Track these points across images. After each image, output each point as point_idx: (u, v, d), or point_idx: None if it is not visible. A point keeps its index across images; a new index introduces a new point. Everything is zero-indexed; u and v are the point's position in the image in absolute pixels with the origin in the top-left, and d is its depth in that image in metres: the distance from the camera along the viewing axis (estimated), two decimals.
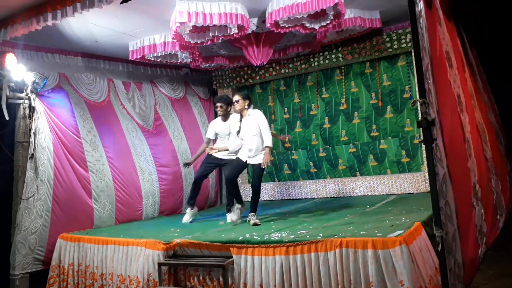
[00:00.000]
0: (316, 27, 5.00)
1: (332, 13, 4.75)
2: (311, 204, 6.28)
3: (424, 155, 5.99)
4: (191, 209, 5.49)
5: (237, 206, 4.92)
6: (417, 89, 5.55)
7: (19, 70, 4.85)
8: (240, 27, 4.81)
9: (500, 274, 3.98)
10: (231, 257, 3.74)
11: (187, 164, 5.75)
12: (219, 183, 7.54)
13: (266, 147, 4.72)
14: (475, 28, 4.74)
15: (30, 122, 5.05)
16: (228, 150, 5.31)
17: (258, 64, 5.57)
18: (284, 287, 3.46)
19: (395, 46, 6.20)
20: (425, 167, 6.09)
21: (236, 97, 4.89)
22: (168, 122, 6.96)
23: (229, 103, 5.43)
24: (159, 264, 4.01)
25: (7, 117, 4.83)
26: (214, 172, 6.25)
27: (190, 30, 4.84)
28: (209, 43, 5.14)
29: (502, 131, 5.17)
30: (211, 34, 4.96)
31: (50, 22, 4.15)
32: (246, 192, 7.48)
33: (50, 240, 5.01)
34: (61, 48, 5.57)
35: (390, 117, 6.55)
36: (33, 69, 5.05)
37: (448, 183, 2.81)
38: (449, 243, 2.75)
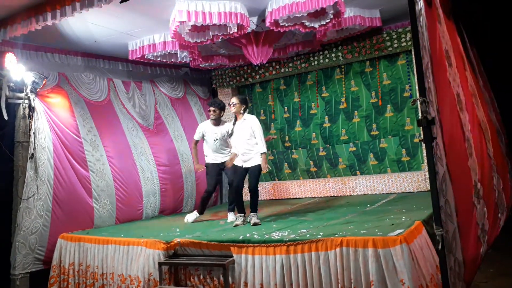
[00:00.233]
0: (316, 26, 4.99)
1: (332, 11, 4.75)
2: (312, 203, 6.28)
3: (424, 154, 6.00)
4: (199, 215, 5.44)
5: (240, 215, 4.88)
6: (417, 87, 5.54)
7: (19, 70, 4.84)
8: (240, 26, 4.80)
9: (500, 272, 3.99)
10: (232, 256, 3.74)
11: (199, 169, 5.71)
12: (219, 184, 7.53)
13: (262, 153, 4.73)
14: (476, 26, 4.73)
15: (29, 122, 5.05)
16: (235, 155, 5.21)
17: (257, 63, 5.57)
18: (284, 286, 3.46)
19: (395, 45, 6.19)
20: (425, 165, 6.09)
21: (234, 100, 4.89)
22: (169, 122, 6.96)
23: (222, 108, 5.46)
24: (160, 264, 4.01)
25: (6, 117, 4.83)
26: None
27: (189, 29, 4.83)
28: (208, 42, 5.14)
29: (503, 129, 5.16)
30: (210, 33, 4.95)
31: (49, 22, 4.15)
32: (245, 192, 7.47)
33: (51, 240, 5.01)
34: (60, 47, 5.57)
35: (390, 116, 6.54)
36: (33, 68, 5.05)
37: (447, 182, 2.81)
38: (449, 241, 2.75)
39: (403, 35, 6.11)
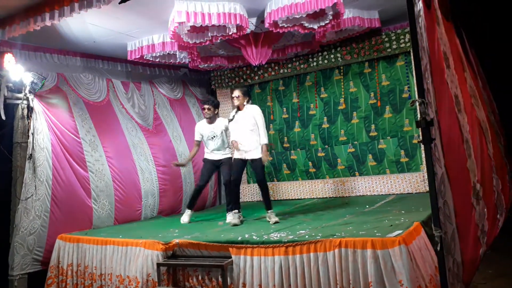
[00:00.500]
0: (315, 27, 5.00)
1: (331, 13, 4.75)
2: (310, 204, 6.28)
3: (423, 155, 6.01)
4: (191, 211, 5.50)
5: (235, 211, 4.88)
6: (416, 89, 5.55)
7: (17, 70, 4.84)
8: (239, 27, 4.81)
9: (499, 273, 3.99)
10: (230, 257, 3.74)
11: (180, 165, 5.90)
12: (218, 184, 7.53)
13: (263, 144, 4.72)
14: (475, 27, 4.74)
15: (28, 123, 5.04)
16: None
17: (256, 64, 5.57)
18: (283, 287, 3.46)
19: (394, 46, 6.20)
20: (424, 167, 6.10)
21: (236, 93, 4.89)
22: (167, 122, 6.96)
23: (216, 105, 5.49)
24: (158, 265, 4.01)
25: (4, 118, 4.82)
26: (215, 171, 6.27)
27: (188, 30, 4.83)
28: (207, 43, 5.14)
29: (502, 131, 5.17)
30: (209, 34, 4.96)
31: (48, 22, 4.14)
32: (245, 192, 7.48)
33: (49, 241, 5.01)
34: (59, 48, 5.56)
35: (389, 117, 6.55)
36: (31, 69, 5.04)
37: (446, 183, 2.81)
38: (448, 242, 2.75)
39: (402, 36, 6.12)
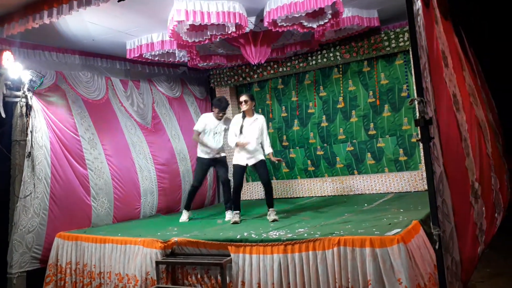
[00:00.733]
0: (314, 26, 4.99)
1: (330, 12, 4.75)
2: (309, 202, 6.29)
3: (422, 154, 6.02)
4: (189, 212, 5.53)
5: (236, 212, 4.92)
6: (414, 87, 5.56)
7: (16, 68, 4.83)
8: (238, 26, 4.80)
9: (497, 272, 4.00)
10: (229, 255, 3.74)
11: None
12: (216, 182, 7.54)
13: (270, 153, 4.98)
14: (474, 26, 4.74)
15: (27, 121, 5.03)
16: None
17: (256, 63, 5.57)
18: (282, 285, 3.47)
19: (393, 45, 6.20)
20: (422, 165, 6.11)
21: (245, 97, 4.94)
22: (166, 121, 6.95)
23: (226, 107, 5.57)
24: (157, 263, 4.01)
25: (3, 116, 4.81)
26: (211, 170, 6.28)
27: (187, 29, 4.82)
28: (206, 42, 5.13)
29: (500, 130, 5.19)
30: (208, 33, 4.95)
31: (46, 20, 4.13)
32: (243, 190, 7.48)
33: (48, 239, 5.01)
34: (58, 46, 5.55)
35: (388, 116, 6.55)
36: (30, 67, 5.03)
37: (444, 182, 2.82)
38: (446, 241, 2.77)
39: (401, 35, 6.12)
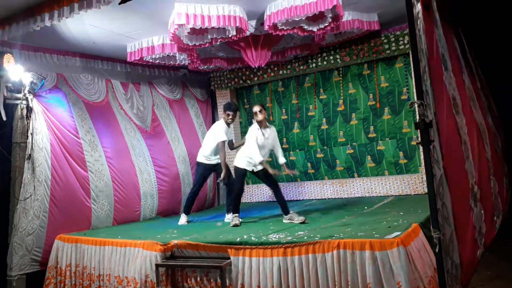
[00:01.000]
0: (315, 29, 5.00)
1: (330, 15, 4.76)
2: (309, 205, 6.28)
3: (422, 157, 6.02)
4: (186, 215, 5.55)
5: (235, 215, 4.94)
6: (414, 90, 5.56)
7: (17, 70, 4.84)
8: (239, 30, 4.82)
9: (496, 275, 4.00)
10: (229, 258, 3.74)
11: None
12: (216, 185, 7.54)
13: (283, 164, 5.10)
14: (474, 26, 4.74)
15: (27, 123, 5.04)
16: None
17: (256, 67, 5.58)
18: None
19: (393, 48, 6.21)
20: (422, 168, 6.11)
21: (258, 107, 4.90)
22: (166, 123, 6.96)
23: (237, 110, 5.63)
24: (157, 265, 4.01)
25: (4, 118, 4.82)
26: (211, 174, 6.28)
27: (188, 32, 4.84)
28: (207, 45, 5.14)
29: (500, 132, 5.19)
30: (209, 36, 4.96)
31: (48, 23, 4.15)
32: (244, 193, 7.46)
33: (47, 241, 5.01)
34: (59, 48, 5.57)
35: (388, 119, 6.56)
36: (31, 69, 5.05)
37: (444, 185, 2.83)
38: (446, 244, 2.76)
39: (401, 38, 6.13)
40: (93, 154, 5.68)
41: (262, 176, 4.96)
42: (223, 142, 5.36)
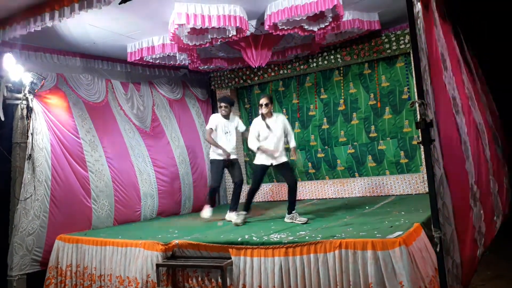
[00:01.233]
0: (315, 29, 5.00)
1: (331, 15, 4.76)
2: (310, 205, 6.28)
3: (423, 156, 6.01)
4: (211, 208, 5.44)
5: (242, 212, 4.91)
6: (415, 90, 5.56)
7: (17, 70, 4.84)
8: (239, 29, 4.81)
9: (497, 275, 4.00)
10: (230, 258, 3.73)
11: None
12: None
13: (294, 146, 5.08)
14: (473, 26, 4.74)
15: (27, 123, 5.04)
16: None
17: (256, 66, 5.57)
18: None
19: (394, 47, 6.20)
20: (423, 168, 6.10)
21: (265, 100, 4.81)
22: (166, 123, 6.95)
23: (232, 104, 5.55)
24: (158, 265, 4.01)
25: (3, 118, 4.82)
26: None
27: (188, 32, 4.84)
28: (207, 45, 5.14)
29: (500, 132, 5.18)
30: (209, 36, 4.96)
31: (48, 23, 4.15)
32: (244, 193, 7.46)
33: (48, 241, 5.01)
34: (59, 48, 5.57)
35: (389, 118, 6.56)
36: (31, 69, 5.05)
37: (445, 184, 2.82)
38: (447, 244, 2.76)
39: (401, 38, 6.13)
40: (93, 154, 5.67)
41: (284, 170, 4.87)
42: (210, 129, 5.39)
